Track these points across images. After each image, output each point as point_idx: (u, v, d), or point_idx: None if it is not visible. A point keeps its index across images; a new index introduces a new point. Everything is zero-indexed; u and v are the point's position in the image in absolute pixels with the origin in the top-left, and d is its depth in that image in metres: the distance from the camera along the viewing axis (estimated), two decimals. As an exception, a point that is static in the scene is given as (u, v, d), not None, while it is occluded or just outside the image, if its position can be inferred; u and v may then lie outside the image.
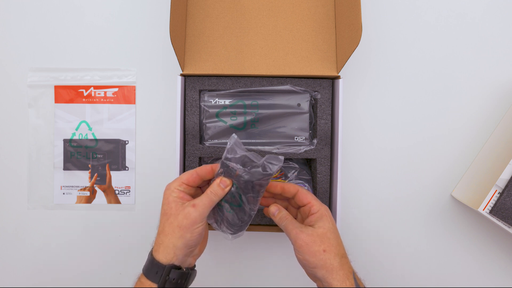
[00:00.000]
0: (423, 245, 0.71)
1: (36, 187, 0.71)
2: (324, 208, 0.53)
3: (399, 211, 0.71)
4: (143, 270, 0.50)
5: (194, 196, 0.53)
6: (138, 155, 0.72)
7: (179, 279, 0.49)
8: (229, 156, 0.51)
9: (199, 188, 0.55)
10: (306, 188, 0.63)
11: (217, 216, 0.53)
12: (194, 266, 0.54)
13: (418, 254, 0.71)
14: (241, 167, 0.50)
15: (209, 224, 0.56)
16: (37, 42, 0.71)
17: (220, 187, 0.51)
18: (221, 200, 0.52)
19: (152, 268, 0.49)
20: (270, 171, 0.49)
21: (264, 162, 0.50)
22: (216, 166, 0.53)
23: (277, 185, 0.55)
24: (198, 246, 0.52)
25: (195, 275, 0.54)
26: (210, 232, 0.71)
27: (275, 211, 0.54)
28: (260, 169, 0.49)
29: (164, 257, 0.49)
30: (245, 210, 0.52)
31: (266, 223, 0.65)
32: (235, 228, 0.53)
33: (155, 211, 0.71)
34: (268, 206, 0.56)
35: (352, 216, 0.71)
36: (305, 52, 0.63)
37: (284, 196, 0.56)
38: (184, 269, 0.50)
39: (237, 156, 0.51)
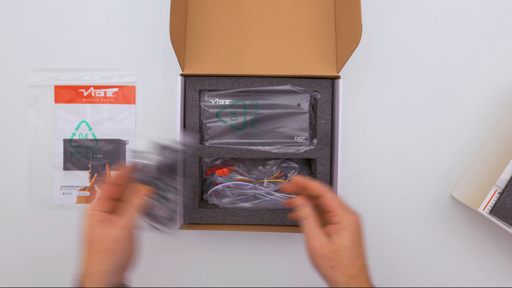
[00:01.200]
0: (423, 245, 0.71)
1: (36, 187, 0.71)
2: (348, 220, 0.49)
3: (399, 211, 0.71)
4: None
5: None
6: (138, 155, 0.72)
7: None
8: (139, 160, 0.51)
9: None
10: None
11: (147, 218, 0.53)
12: (127, 283, 0.52)
13: (418, 254, 0.71)
14: (151, 156, 0.50)
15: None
16: (37, 42, 0.71)
17: (137, 196, 0.49)
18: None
19: None
20: (177, 144, 0.50)
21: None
22: (128, 169, 0.51)
23: (303, 181, 0.52)
24: (129, 260, 0.50)
25: None
26: (209, 232, 0.71)
27: (301, 204, 0.51)
28: (167, 146, 0.50)
29: (95, 285, 0.46)
30: (170, 199, 0.51)
31: (266, 223, 0.65)
32: (168, 221, 0.53)
33: (155, 211, 0.71)
34: (289, 205, 0.53)
35: (352, 216, 0.71)
36: (305, 52, 0.63)
37: (310, 195, 0.52)
38: None
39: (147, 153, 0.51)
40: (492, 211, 0.62)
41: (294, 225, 0.63)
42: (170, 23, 0.55)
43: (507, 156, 0.62)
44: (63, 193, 0.72)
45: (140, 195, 0.50)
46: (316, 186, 0.51)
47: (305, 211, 0.50)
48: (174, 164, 0.50)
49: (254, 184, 0.65)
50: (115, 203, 0.51)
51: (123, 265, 0.49)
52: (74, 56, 0.71)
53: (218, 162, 0.68)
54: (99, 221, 0.48)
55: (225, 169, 0.65)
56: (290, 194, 0.55)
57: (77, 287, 0.47)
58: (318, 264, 0.48)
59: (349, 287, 0.46)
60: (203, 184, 0.68)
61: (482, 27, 0.71)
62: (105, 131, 0.71)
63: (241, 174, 0.66)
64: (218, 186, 0.65)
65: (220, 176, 0.65)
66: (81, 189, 0.72)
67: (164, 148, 0.50)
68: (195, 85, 0.63)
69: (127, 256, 0.49)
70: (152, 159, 0.49)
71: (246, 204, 0.65)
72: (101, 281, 0.47)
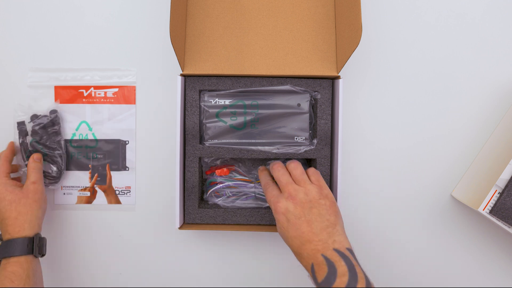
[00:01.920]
0: (423, 245, 0.71)
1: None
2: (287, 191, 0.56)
3: (399, 211, 0.71)
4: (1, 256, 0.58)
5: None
6: (138, 155, 0.72)
7: (43, 245, 0.62)
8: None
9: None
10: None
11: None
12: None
13: (418, 254, 0.71)
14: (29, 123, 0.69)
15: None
16: (37, 42, 0.71)
17: (36, 162, 0.65)
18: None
19: (16, 246, 0.58)
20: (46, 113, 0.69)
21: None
22: (12, 143, 0.68)
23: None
24: (45, 209, 0.65)
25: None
26: (209, 232, 0.71)
27: (262, 169, 0.64)
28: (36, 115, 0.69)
29: (30, 231, 0.60)
30: (54, 156, 0.68)
31: (266, 223, 0.65)
32: (56, 176, 0.69)
33: (156, 211, 0.71)
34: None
35: (352, 216, 0.71)
36: (305, 52, 0.63)
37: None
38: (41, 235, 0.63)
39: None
40: (492, 211, 0.62)
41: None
42: (170, 23, 0.55)
43: (507, 156, 0.62)
44: (64, 193, 0.72)
45: (38, 160, 0.66)
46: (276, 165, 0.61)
47: (264, 173, 0.62)
48: (46, 127, 0.67)
49: (254, 183, 0.65)
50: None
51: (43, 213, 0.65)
52: (74, 56, 0.71)
53: (218, 162, 0.68)
54: (13, 184, 0.63)
55: (225, 169, 0.65)
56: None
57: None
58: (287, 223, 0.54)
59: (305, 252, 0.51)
60: (203, 184, 0.68)
61: (482, 27, 0.71)
62: (105, 131, 0.71)
63: (241, 174, 0.66)
64: (218, 186, 0.65)
65: (220, 176, 0.65)
66: (81, 189, 0.72)
67: (34, 116, 0.68)
68: (195, 85, 0.63)
69: (45, 205, 0.65)
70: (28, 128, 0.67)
71: (246, 203, 0.65)
72: (37, 225, 0.62)
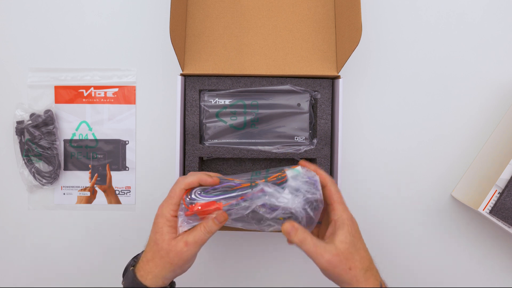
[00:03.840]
0: (423, 245, 0.71)
1: (37, 187, 0.71)
2: (345, 215, 0.48)
3: (399, 211, 0.71)
4: (124, 285, 0.50)
5: None
6: (138, 155, 0.72)
7: None
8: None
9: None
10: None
11: None
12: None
13: (418, 254, 0.71)
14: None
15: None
16: (37, 42, 0.71)
17: (215, 223, 0.48)
18: None
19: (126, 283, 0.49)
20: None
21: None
22: (215, 181, 0.50)
23: (310, 166, 0.50)
24: (185, 269, 0.51)
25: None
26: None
27: (290, 229, 0.47)
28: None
29: (152, 284, 0.48)
30: (48, 155, 0.69)
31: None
32: (50, 176, 0.69)
33: (156, 211, 0.71)
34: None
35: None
36: (305, 52, 0.63)
37: None
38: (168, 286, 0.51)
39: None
40: (492, 211, 0.62)
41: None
42: (170, 23, 0.55)
43: (507, 156, 0.62)
44: (64, 193, 0.72)
45: (218, 223, 0.48)
46: (322, 174, 0.50)
47: (299, 235, 0.47)
48: (40, 126, 0.67)
49: (252, 188, 0.50)
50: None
51: (179, 273, 0.50)
52: (74, 56, 0.71)
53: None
54: (169, 226, 0.48)
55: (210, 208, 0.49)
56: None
57: (136, 286, 0.49)
58: (336, 274, 0.46)
59: (367, 281, 0.47)
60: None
61: (482, 27, 0.71)
62: (105, 131, 0.71)
63: (232, 186, 0.51)
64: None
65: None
66: (81, 189, 0.72)
67: (32, 115, 0.68)
68: (195, 85, 0.63)
69: (186, 267, 0.50)
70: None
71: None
72: (161, 282, 0.48)
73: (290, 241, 0.48)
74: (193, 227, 0.49)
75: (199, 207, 0.48)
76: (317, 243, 0.47)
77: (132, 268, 0.50)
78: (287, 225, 0.47)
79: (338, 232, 0.48)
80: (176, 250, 0.47)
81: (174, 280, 0.53)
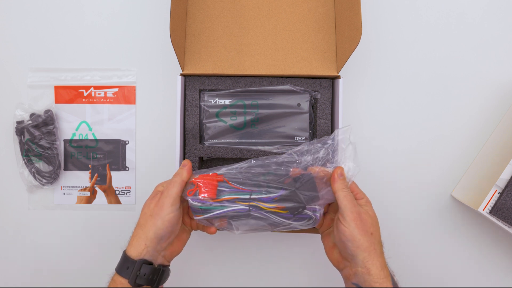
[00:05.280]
0: (423, 245, 0.71)
1: (37, 187, 0.71)
2: (367, 198, 0.53)
3: (399, 211, 0.71)
4: (116, 268, 0.51)
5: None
6: (138, 155, 0.72)
7: (150, 275, 0.49)
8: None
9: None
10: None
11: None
12: (168, 265, 0.53)
13: (418, 254, 0.71)
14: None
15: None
16: (37, 42, 0.71)
17: (181, 167, 0.53)
18: None
19: (124, 264, 0.50)
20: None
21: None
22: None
23: (321, 171, 0.52)
24: (169, 240, 0.51)
25: (169, 275, 0.53)
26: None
27: (339, 175, 0.50)
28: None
29: (135, 251, 0.49)
30: (48, 155, 0.68)
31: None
32: (50, 176, 0.69)
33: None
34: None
35: (352, 216, 0.71)
36: (305, 52, 0.63)
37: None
38: (156, 266, 0.50)
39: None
40: (492, 211, 0.62)
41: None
42: (170, 23, 0.55)
43: (507, 156, 0.62)
44: (64, 193, 0.72)
45: (183, 166, 0.53)
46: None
47: (346, 182, 0.51)
48: (40, 126, 0.68)
49: (249, 203, 0.51)
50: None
51: (163, 240, 0.50)
52: (74, 56, 0.71)
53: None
54: (172, 205, 0.51)
55: (209, 188, 0.51)
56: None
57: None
58: (360, 230, 0.48)
59: (381, 257, 0.50)
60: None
61: (482, 27, 0.71)
62: (105, 131, 0.71)
63: (233, 187, 0.52)
64: (208, 215, 0.52)
65: (204, 201, 0.51)
66: (81, 189, 0.72)
67: (32, 115, 0.68)
68: (195, 85, 0.63)
69: (168, 230, 0.50)
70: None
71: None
72: (144, 245, 0.49)
73: (334, 182, 0.50)
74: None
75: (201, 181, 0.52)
76: (352, 196, 0.50)
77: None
78: (340, 169, 0.51)
79: (365, 205, 0.52)
80: (154, 201, 0.51)
81: (174, 280, 0.53)
